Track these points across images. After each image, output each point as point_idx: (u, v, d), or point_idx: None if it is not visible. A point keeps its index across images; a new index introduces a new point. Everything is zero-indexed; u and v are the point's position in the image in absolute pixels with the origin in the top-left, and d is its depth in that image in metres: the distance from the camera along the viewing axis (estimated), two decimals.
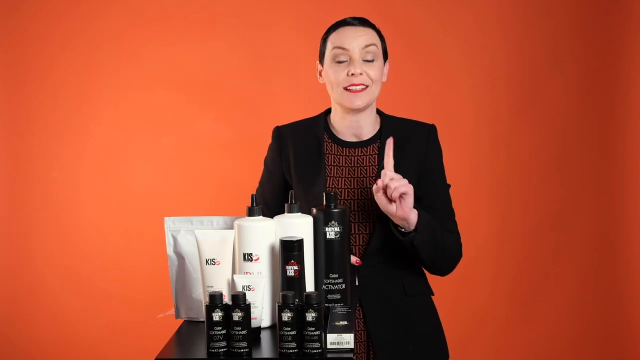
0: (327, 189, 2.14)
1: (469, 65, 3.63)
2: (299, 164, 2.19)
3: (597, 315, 3.67)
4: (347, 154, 2.19)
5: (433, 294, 2.23)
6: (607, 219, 3.66)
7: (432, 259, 2.12)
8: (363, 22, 2.15)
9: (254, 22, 3.66)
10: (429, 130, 2.21)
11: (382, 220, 2.09)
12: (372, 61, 2.12)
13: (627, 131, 3.62)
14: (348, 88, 2.11)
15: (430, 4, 3.63)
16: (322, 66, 2.18)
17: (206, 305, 1.72)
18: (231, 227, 1.94)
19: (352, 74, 2.10)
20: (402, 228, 2.04)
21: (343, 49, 2.11)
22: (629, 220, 3.64)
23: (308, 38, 3.58)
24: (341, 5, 3.54)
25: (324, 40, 2.18)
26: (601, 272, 3.67)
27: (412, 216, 2.01)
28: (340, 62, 2.12)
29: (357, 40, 2.11)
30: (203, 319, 1.91)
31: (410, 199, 1.98)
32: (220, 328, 1.71)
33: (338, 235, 1.94)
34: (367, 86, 2.12)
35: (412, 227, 2.03)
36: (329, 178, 2.17)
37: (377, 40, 2.15)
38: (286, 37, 3.65)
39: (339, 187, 2.15)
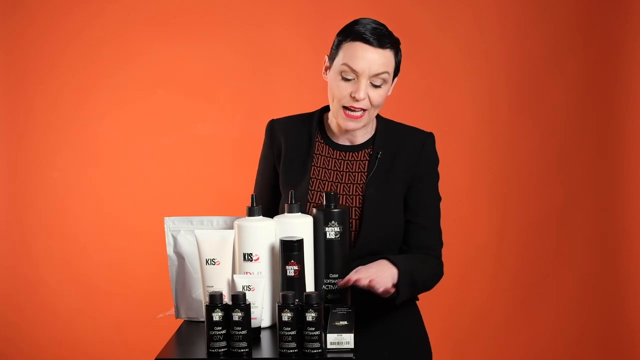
0: (310, 191, 2.10)
1: (469, 65, 3.63)
2: (287, 161, 2.15)
3: (597, 315, 3.67)
4: (338, 157, 2.13)
5: (417, 299, 2.20)
6: (607, 219, 3.66)
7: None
8: (382, 43, 2.01)
9: (255, 22, 3.66)
10: (424, 140, 2.13)
11: (365, 228, 2.06)
12: (379, 86, 2.03)
13: (627, 131, 3.62)
14: (347, 108, 2.03)
15: (430, 4, 3.62)
16: (330, 65, 2.08)
17: (206, 305, 1.72)
18: (231, 227, 1.94)
19: (354, 98, 2.01)
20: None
21: (352, 69, 2.01)
22: (629, 220, 3.64)
23: (309, 38, 3.60)
24: (341, 5, 3.54)
25: (339, 42, 2.05)
26: (601, 272, 3.67)
27: (389, 286, 1.94)
28: (346, 80, 2.02)
29: (369, 65, 2.00)
30: (203, 319, 1.91)
31: (380, 283, 1.91)
32: (220, 328, 1.71)
33: (338, 235, 1.94)
34: (365, 110, 2.04)
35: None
36: (314, 180, 2.12)
37: (390, 66, 2.04)
38: (287, 37, 3.65)
39: (323, 190, 2.10)
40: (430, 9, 3.62)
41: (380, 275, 1.93)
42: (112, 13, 3.67)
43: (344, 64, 2.01)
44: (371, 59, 2.00)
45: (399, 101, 3.53)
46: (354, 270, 1.93)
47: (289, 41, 3.64)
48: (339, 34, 2.07)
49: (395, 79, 2.11)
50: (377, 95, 2.03)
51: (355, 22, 2.05)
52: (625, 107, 3.61)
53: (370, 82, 2.02)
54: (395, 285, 1.95)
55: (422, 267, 2.07)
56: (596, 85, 3.62)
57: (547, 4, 3.60)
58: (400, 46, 2.08)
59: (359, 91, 2.01)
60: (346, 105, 2.03)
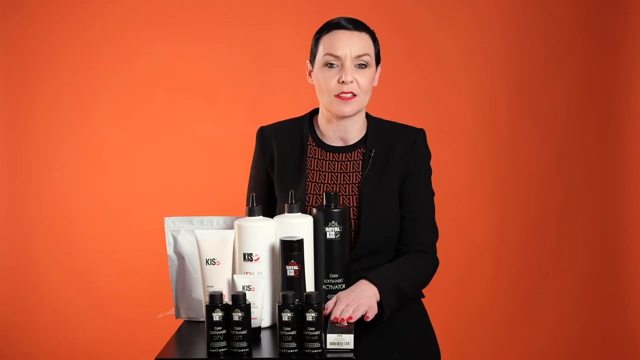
0: (307, 195, 2.11)
1: (469, 65, 3.63)
2: (281, 167, 2.16)
3: (597, 315, 3.67)
4: (331, 159, 2.15)
5: (423, 297, 2.20)
6: (607, 219, 3.66)
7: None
8: (357, 26, 2.10)
9: (255, 22, 3.66)
10: (416, 136, 2.16)
11: (364, 228, 2.07)
12: (364, 68, 2.09)
13: (627, 131, 3.62)
14: (338, 96, 2.07)
15: (430, 4, 3.62)
16: (312, 67, 2.15)
17: (206, 305, 1.72)
18: (231, 227, 1.94)
19: (343, 82, 2.06)
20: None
21: (335, 56, 2.08)
22: (629, 220, 3.64)
23: (309, 38, 3.58)
24: (341, 5, 3.54)
25: (316, 41, 2.14)
26: (601, 272, 3.67)
27: (373, 304, 1.93)
28: (331, 67, 2.09)
29: (350, 47, 2.07)
30: (203, 319, 1.91)
31: (359, 311, 1.88)
32: (220, 328, 1.71)
33: (338, 235, 1.94)
34: (355, 95, 2.08)
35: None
36: (310, 183, 2.13)
37: (370, 49, 2.11)
38: (287, 37, 3.65)
39: (320, 193, 2.12)
40: (430, 9, 3.62)
41: (362, 296, 1.92)
42: (112, 13, 3.67)
43: (326, 54, 2.09)
44: (350, 42, 2.08)
45: (399, 101, 3.54)
46: (333, 298, 1.92)
47: (289, 41, 3.64)
48: (315, 35, 2.15)
49: (379, 69, 2.16)
50: (363, 79, 2.08)
51: (328, 20, 2.14)
52: (625, 107, 3.61)
53: (355, 65, 2.08)
54: (379, 303, 1.95)
55: (411, 271, 2.07)
56: (596, 85, 3.62)
57: (547, 4, 3.60)
58: (377, 36, 2.15)
59: (346, 74, 2.07)
60: (336, 93, 2.08)
